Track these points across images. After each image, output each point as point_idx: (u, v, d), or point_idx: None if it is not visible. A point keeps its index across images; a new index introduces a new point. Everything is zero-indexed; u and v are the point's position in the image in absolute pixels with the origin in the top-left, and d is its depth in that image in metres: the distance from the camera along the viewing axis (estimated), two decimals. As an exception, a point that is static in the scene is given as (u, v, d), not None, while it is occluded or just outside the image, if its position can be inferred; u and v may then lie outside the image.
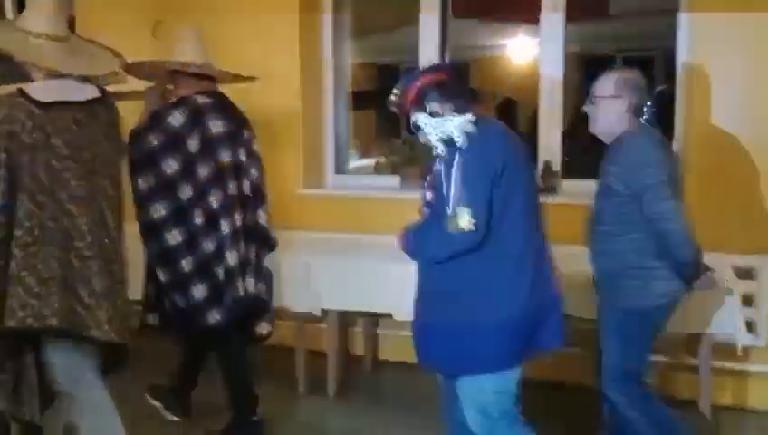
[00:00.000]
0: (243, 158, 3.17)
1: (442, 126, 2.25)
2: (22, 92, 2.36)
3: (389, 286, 3.48)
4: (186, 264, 3.08)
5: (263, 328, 3.33)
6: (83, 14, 4.87)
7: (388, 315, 3.73)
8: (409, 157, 4.47)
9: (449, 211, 2.19)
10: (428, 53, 4.35)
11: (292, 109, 4.43)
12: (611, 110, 2.66)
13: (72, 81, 2.47)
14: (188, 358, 3.55)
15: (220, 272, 3.08)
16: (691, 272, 2.60)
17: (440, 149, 2.27)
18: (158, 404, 3.53)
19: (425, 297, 2.45)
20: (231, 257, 3.08)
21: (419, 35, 4.38)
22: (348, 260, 3.69)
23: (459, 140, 2.21)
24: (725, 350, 3.39)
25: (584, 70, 8.49)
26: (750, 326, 3.46)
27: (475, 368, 2.33)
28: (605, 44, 8.24)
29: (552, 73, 4.08)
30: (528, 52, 6.53)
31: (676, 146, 3.79)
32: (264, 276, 3.30)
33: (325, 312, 3.75)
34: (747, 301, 3.43)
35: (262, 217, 3.25)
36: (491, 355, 2.30)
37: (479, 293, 2.28)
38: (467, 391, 2.40)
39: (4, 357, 2.38)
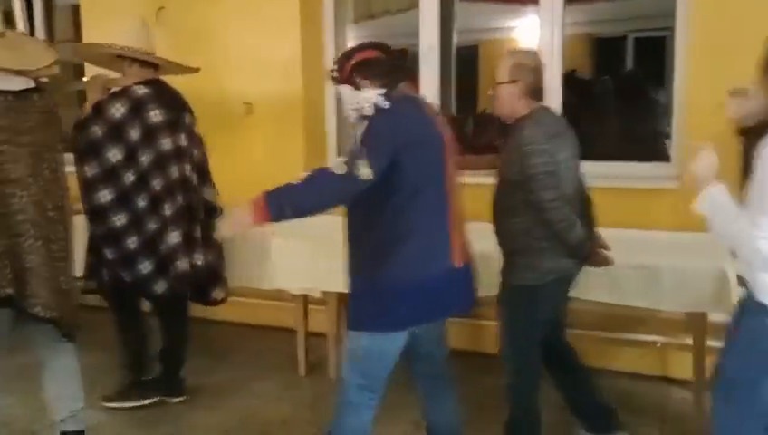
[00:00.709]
0: (184, 143, 3.34)
1: (357, 98, 2.40)
2: None
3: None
4: (131, 242, 3.30)
5: (218, 293, 3.59)
6: (88, 2, 4.94)
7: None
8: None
9: (343, 160, 2.29)
10: (429, 36, 4.36)
11: (294, 93, 4.46)
12: (507, 94, 2.71)
13: (7, 72, 2.62)
14: (167, 339, 3.67)
15: (164, 249, 3.28)
16: (580, 252, 2.68)
17: (353, 118, 2.44)
18: (154, 399, 3.62)
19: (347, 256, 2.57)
20: (173, 237, 3.28)
21: (419, 18, 4.38)
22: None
23: (368, 112, 2.37)
24: (723, 330, 3.38)
25: (597, 51, 8.47)
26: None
27: (360, 325, 2.46)
28: (617, 25, 8.17)
29: (552, 56, 4.06)
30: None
31: (675, 127, 3.79)
32: (216, 248, 3.52)
33: (325, 294, 3.80)
34: (743, 281, 3.41)
35: (208, 194, 3.50)
36: (375, 316, 2.42)
37: (376, 258, 2.40)
38: (349, 340, 2.52)
39: None
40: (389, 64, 2.49)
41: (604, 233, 2.97)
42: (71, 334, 2.79)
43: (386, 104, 2.36)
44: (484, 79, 8.02)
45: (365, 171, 2.25)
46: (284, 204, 2.32)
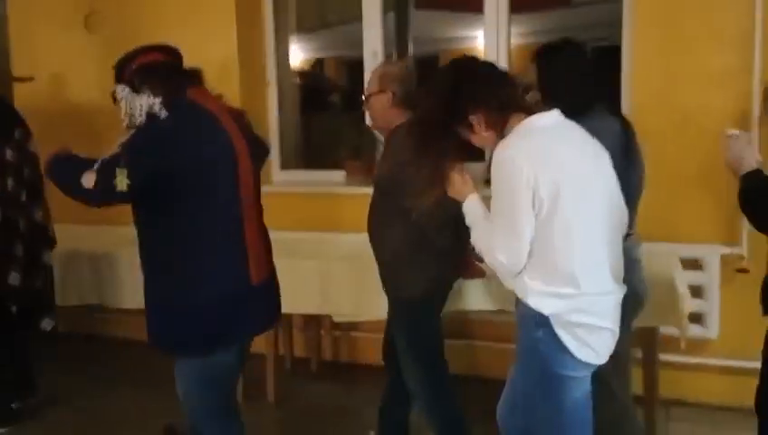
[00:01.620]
0: (9, 158, 3.23)
1: (132, 102, 2.23)
2: None
3: (331, 287, 3.38)
4: None
5: (46, 324, 3.44)
6: (17, 8, 4.74)
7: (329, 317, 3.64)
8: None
9: (96, 166, 2.09)
10: (372, 42, 4.21)
11: (231, 97, 4.21)
12: (378, 105, 2.70)
13: None
14: None
15: None
16: (456, 260, 2.66)
17: (126, 122, 2.25)
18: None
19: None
20: None
21: (363, 27, 4.21)
22: (289, 260, 3.52)
23: (140, 118, 2.20)
24: (675, 343, 3.27)
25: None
26: (700, 318, 3.36)
27: (172, 349, 2.31)
28: (571, 35, 8.11)
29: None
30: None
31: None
32: (44, 273, 3.41)
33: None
34: (697, 292, 3.32)
35: (38, 215, 3.37)
36: (182, 339, 2.26)
37: (169, 277, 2.25)
38: (176, 370, 2.36)
39: None
40: (174, 70, 2.33)
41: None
42: None
43: (163, 114, 2.18)
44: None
45: (121, 182, 2.06)
46: (55, 169, 2.23)
